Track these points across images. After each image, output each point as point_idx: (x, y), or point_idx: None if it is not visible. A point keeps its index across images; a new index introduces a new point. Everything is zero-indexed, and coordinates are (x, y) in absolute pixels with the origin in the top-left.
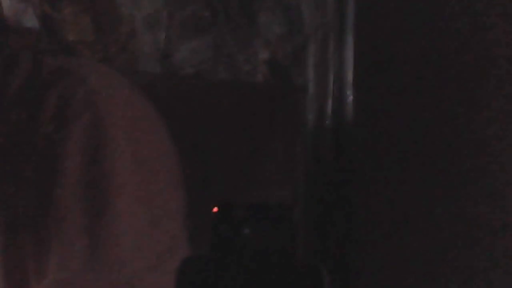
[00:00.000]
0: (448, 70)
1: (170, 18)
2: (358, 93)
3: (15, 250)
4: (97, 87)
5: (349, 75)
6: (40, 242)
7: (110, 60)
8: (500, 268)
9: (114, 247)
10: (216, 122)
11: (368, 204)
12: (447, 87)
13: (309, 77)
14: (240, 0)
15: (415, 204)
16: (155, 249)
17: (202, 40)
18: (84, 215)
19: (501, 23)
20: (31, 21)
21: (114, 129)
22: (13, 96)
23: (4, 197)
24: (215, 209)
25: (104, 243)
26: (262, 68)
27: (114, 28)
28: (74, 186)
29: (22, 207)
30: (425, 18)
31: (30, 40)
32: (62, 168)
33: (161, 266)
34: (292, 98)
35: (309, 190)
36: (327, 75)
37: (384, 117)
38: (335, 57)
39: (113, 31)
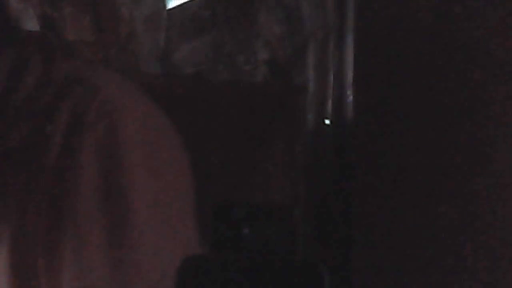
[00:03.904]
0: (448, 69)
1: (170, 18)
2: (358, 93)
3: (25, 260)
4: (111, 96)
5: (349, 75)
6: (52, 252)
7: (110, 60)
8: (500, 268)
9: (135, 256)
10: (216, 122)
11: (368, 204)
12: (447, 87)
13: (309, 77)
14: (240, 0)
15: (415, 204)
16: (175, 258)
17: (202, 40)
18: (102, 226)
19: (502, 22)
20: (31, 21)
21: (129, 138)
22: (23, 102)
23: (14, 207)
24: (215, 209)
25: (124, 253)
26: (262, 68)
27: (114, 28)
28: (91, 197)
29: (32, 217)
30: (425, 18)
31: (38, 43)
32: (77, 179)
33: None
34: (292, 98)
35: (309, 190)
36: (327, 75)
37: (384, 117)
38: (335, 57)
39: (113, 31)
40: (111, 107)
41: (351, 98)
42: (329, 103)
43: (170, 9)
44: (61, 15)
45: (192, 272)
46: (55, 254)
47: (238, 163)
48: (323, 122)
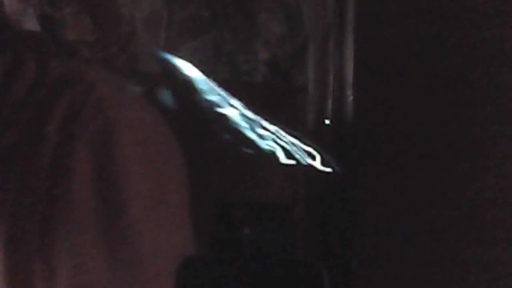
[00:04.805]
0: (448, 69)
1: (170, 18)
2: (358, 93)
3: (20, 260)
4: (106, 94)
5: (349, 75)
6: (47, 250)
7: (110, 60)
8: (500, 268)
9: (131, 252)
10: (216, 122)
11: (368, 204)
12: (447, 87)
13: (309, 77)
14: (240, 0)
15: (415, 204)
16: (172, 252)
17: (202, 40)
18: (97, 223)
19: (501, 22)
20: (31, 21)
21: (124, 135)
22: (17, 101)
23: (9, 206)
24: (215, 209)
25: (120, 249)
26: (262, 68)
27: (114, 28)
28: (85, 194)
29: (27, 216)
30: (425, 18)
31: (33, 43)
32: (72, 176)
33: None
34: (292, 98)
35: (309, 190)
36: (327, 75)
37: (384, 117)
38: (335, 57)
39: (113, 31)
40: (106, 104)
41: (351, 98)
42: (329, 103)
43: (170, 9)
44: (61, 15)
45: (192, 272)
46: (51, 253)
47: (238, 163)
48: (323, 122)
